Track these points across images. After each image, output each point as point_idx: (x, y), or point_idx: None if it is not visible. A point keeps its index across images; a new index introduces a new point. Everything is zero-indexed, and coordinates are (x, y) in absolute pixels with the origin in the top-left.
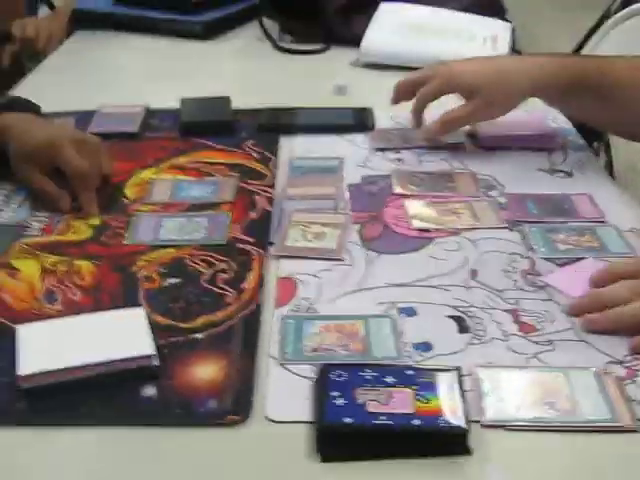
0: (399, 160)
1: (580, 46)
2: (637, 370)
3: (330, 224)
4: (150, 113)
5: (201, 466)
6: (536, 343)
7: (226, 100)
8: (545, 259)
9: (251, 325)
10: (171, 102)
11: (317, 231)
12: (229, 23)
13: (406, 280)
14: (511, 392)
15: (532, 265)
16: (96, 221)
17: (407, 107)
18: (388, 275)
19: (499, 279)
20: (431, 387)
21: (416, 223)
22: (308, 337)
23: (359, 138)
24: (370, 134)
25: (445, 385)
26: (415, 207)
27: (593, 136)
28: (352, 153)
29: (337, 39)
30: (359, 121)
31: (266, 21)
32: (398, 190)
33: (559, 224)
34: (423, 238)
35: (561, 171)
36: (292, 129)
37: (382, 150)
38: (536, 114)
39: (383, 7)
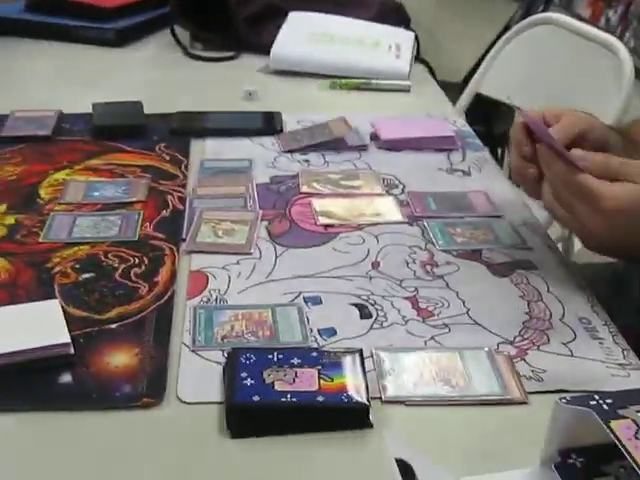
0: (306, 161)
1: (483, 56)
2: (526, 349)
3: (239, 221)
4: (63, 117)
5: (118, 447)
6: (433, 327)
7: (138, 104)
8: (443, 251)
9: (164, 315)
10: (83, 108)
11: (227, 228)
12: (141, 31)
13: (312, 272)
14: (410, 371)
15: (431, 256)
16: (10, 220)
17: (315, 110)
18: (295, 268)
19: (399, 270)
20: (335, 367)
21: (322, 220)
22: (219, 325)
23: (268, 141)
24: (278, 137)
25: (348, 365)
26: (321, 205)
27: (495, 141)
28: (261, 155)
29: (247, 47)
30: (268, 124)
31: (178, 29)
32: (305, 189)
33: (457, 219)
34: (328, 233)
35: (459, 170)
36: (203, 132)
37: (290, 152)
38: (436, 118)
39: (292, 16)
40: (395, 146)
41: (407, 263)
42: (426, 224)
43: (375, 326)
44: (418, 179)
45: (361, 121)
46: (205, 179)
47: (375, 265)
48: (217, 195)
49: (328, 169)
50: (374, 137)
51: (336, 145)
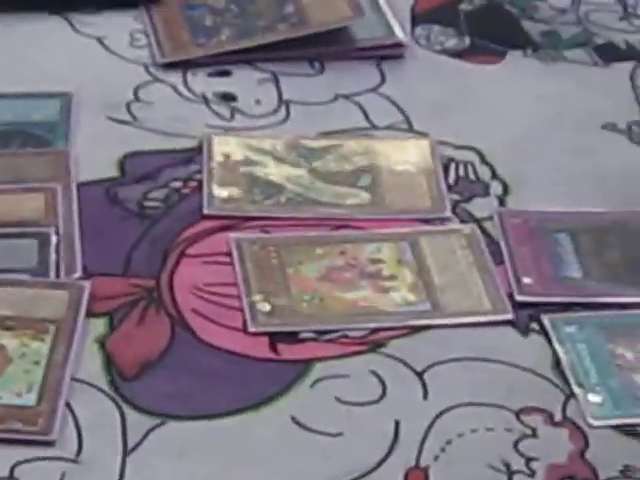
0: (226, 98)
1: None
2: None
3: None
4: None
5: None
6: None
7: None
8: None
9: None
10: None
11: None
12: None
13: None
14: None
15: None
16: None
17: None
18: None
19: None
20: None
21: None
22: None
23: (123, 27)
24: (151, 16)
25: None
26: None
27: None
28: (101, 77)
29: None
30: None
31: None
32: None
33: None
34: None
35: None
36: None
37: (185, 67)
38: None
39: None
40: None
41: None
42: (550, 327)
43: None
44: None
45: None
46: None
47: None
48: None
49: (290, 127)
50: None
51: (319, 49)
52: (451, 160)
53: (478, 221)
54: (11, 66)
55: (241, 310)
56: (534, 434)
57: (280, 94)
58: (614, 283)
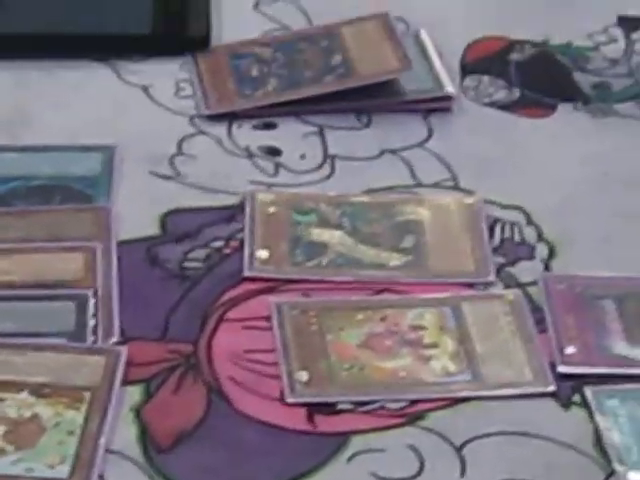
0: (271, 152)
1: None
2: None
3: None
4: None
5: None
6: None
7: None
8: None
9: None
10: None
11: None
12: None
13: None
14: None
15: None
16: None
17: None
18: None
19: None
20: None
21: None
22: None
23: (168, 79)
24: (198, 64)
25: None
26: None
27: None
28: (144, 131)
29: None
30: (170, 25)
31: None
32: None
33: None
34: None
35: None
36: None
37: (232, 117)
38: None
39: None
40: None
41: None
42: (592, 400)
43: None
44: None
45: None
46: None
47: None
48: None
49: (334, 184)
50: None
51: (365, 102)
52: (497, 220)
53: (522, 286)
54: (53, 116)
55: (279, 378)
56: None
57: (325, 148)
58: None
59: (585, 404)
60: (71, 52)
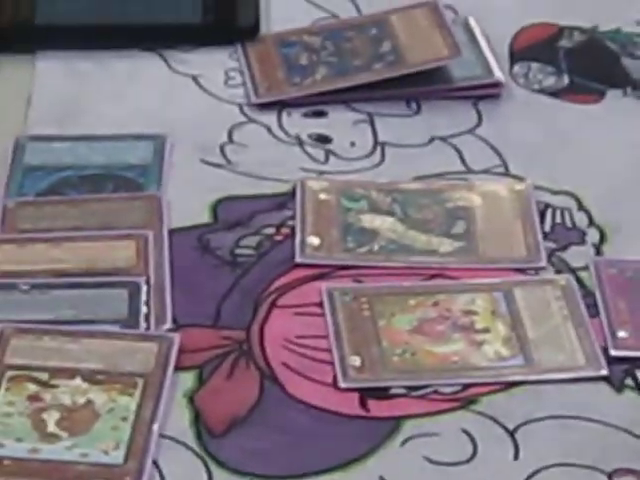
0: (322, 140)
1: None
2: None
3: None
4: None
5: None
6: None
7: None
8: None
9: None
10: None
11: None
12: None
13: None
14: None
15: None
16: None
17: None
18: None
19: None
20: None
21: None
22: None
23: (217, 68)
24: (247, 54)
25: None
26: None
27: None
28: (194, 119)
29: None
30: (219, 15)
31: None
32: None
33: None
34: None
35: None
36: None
37: (281, 106)
38: None
39: None
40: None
41: None
42: None
43: None
44: None
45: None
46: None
47: None
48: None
49: (384, 171)
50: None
51: (415, 89)
52: (548, 206)
53: (574, 271)
54: (104, 106)
55: (331, 364)
56: None
57: (375, 136)
58: None
59: (638, 388)
60: (121, 42)
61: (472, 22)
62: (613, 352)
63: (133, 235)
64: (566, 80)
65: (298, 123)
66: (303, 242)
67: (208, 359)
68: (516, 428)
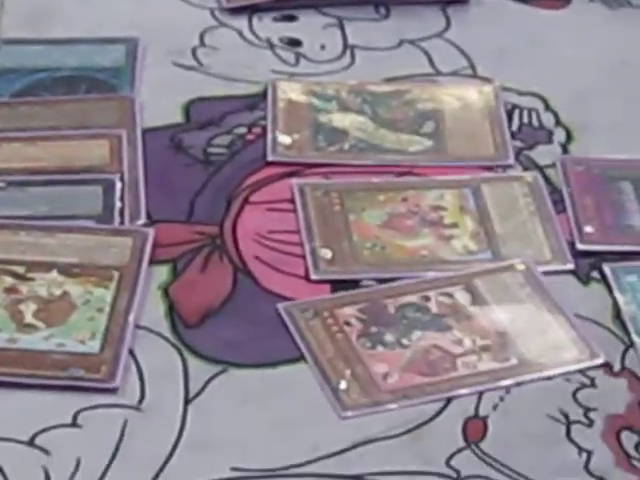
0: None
1: None
2: None
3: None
4: None
5: None
6: None
7: None
8: None
9: None
10: None
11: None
12: None
13: None
14: None
15: None
16: None
17: None
18: None
19: None
20: None
21: None
22: None
23: None
24: None
25: None
26: None
27: None
28: (164, 20)
29: None
30: None
31: None
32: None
33: None
34: None
35: None
36: None
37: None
38: None
39: None
40: None
41: None
42: (611, 276)
43: None
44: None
45: None
46: None
47: None
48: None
49: (354, 73)
50: None
51: None
52: (515, 107)
53: (541, 168)
54: (76, 9)
55: (303, 257)
56: (593, 384)
57: (345, 39)
58: None
59: (604, 280)
60: None
61: None
62: (580, 246)
63: (107, 134)
64: None
65: (269, 27)
66: (274, 141)
67: (182, 253)
68: None
